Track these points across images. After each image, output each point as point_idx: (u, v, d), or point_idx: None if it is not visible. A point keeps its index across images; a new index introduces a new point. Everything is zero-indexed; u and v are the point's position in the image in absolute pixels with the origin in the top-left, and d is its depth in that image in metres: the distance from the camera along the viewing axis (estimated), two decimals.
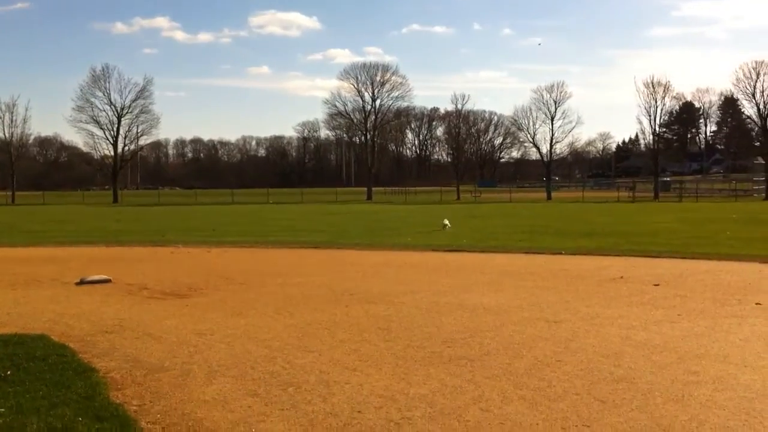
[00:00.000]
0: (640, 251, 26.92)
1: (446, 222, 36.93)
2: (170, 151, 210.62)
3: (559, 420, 8.32)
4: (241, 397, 9.31)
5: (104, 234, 40.71)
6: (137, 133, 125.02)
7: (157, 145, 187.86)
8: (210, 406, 8.92)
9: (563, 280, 19.52)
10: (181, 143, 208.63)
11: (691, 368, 10.40)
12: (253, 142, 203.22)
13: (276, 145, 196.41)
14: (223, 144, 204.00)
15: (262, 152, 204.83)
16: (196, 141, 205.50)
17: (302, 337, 12.69)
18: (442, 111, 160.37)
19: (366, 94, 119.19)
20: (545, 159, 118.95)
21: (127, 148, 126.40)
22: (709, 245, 29.18)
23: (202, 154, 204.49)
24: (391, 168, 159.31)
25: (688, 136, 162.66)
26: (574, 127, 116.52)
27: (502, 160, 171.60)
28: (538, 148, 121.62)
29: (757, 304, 15.46)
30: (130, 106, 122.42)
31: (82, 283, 19.11)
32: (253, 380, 10.03)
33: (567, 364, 10.71)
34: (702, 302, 15.79)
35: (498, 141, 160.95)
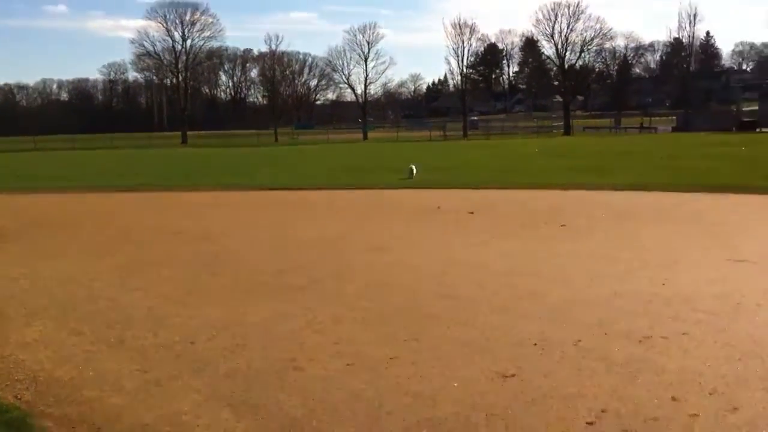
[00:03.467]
0: (455, 184, 28.05)
1: (413, 168, 31.08)
2: None
3: (390, 335, 8.63)
4: (64, 337, 8.91)
5: None
6: None
7: None
8: (32, 348, 8.47)
9: (383, 211, 20.05)
10: None
11: (507, 285, 11.06)
12: (54, 86, 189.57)
13: (80, 89, 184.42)
14: (21, 88, 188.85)
15: (65, 96, 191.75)
16: None
17: (126, 276, 12.27)
18: (255, 52, 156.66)
19: (176, 33, 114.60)
20: (360, 100, 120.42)
21: None
22: (517, 176, 30.90)
23: None
24: (205, 111, 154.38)
25: (493, 76, 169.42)
26: (387, 68, 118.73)
27: (318, 102, 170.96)
28: (353, 89, 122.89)
29: (562, 225, 16.62)
30: None
31: None
32: (77, 320, 9.62)
33: (395, 287, 11.07)
34: (513, 227, 16.76)
35: (313, 83, 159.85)
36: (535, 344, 8.16)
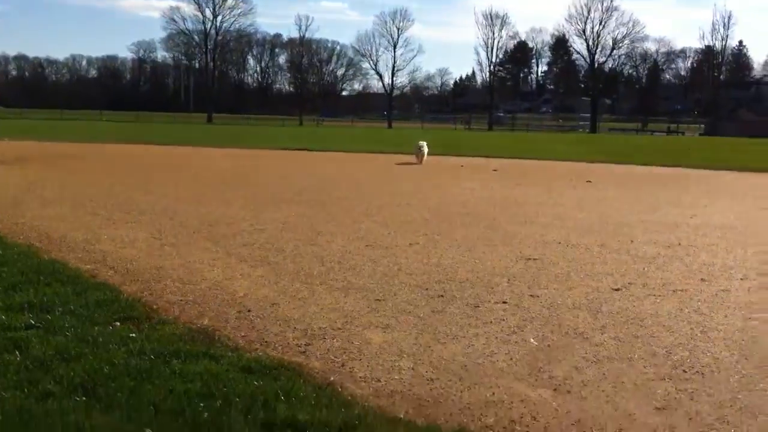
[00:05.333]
0: (479, 154, 27.80)
1: (422, 145, 21.81)
2: None
3: (409, 232, 8.43)
4: (80, 215, 8.82)
5: None
6: None
7: None
8: (47, 219, 8.38)
9: (405, 167, 19.84)
10: (3, 59, 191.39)
11: (531, 210, 10.80)
12: (84, 62, 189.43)
13: (109, 66, 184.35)
14: (51, 62, 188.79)
15: (93, 73, 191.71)
16: (20, 58, 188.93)
17: (145, 185, 12.20)
18: (285, 38, 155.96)
19: (207, 10, 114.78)
20: (387, 89, 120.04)
21: None
22: (540, 153, 30.51)
23: (27, 73, 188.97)
24: (232, 96, 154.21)
25: (521, 75, 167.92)
26: (415, 56, 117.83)
27: (344, 93, 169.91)
28: (380, 76, 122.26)
29: (588, 181, 16.33)
30: None
31: None
32: (93, 207, 9.53)
33: (415, 207, 10.85)
34: (538, 180, 16.48)
35: (340, 72, 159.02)
36: (560, 243, 7.94)
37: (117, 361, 3.59)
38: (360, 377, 3.77)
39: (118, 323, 4.29)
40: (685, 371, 4.03)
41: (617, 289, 5.87)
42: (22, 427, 2.85)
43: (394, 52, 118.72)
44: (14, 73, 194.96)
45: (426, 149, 21.63)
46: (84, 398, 3.16)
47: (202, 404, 3.12)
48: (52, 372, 3.45)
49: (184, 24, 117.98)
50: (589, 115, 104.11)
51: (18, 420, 2.91)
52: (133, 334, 4.06)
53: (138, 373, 3.45)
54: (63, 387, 3.27)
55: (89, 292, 4.89)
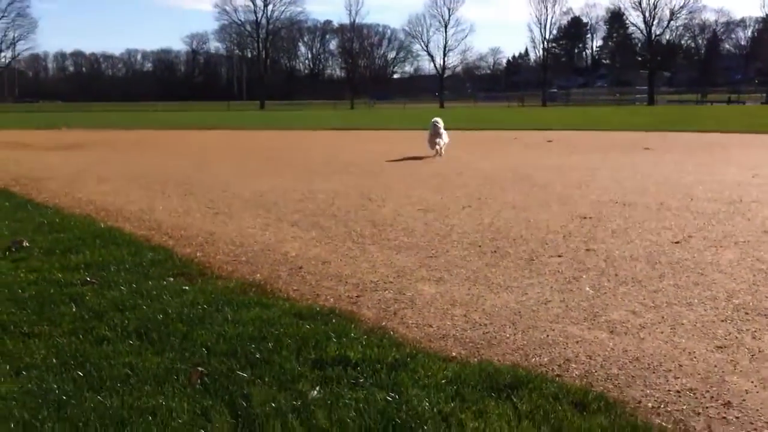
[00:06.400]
0: (532, 126, 27.45)
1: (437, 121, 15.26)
2: (50, 65, 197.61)
3: (463, 196, 8.36)
4: (136, 190, 8.97)
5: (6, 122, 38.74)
6: (14, 38, 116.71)
7: (36, 59, 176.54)
8: (103, 194, 8.56)
9: (457, 140, 19.71)
10: (61, 56, 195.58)
11: (587, 174, 10.62)
12: (139, 56, 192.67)
13: (163, 59, 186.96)
14: (107, 57, 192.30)
15: (148, 66, 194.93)
16: (77, 54, 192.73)
17: (199, 163, 12.37)
18: (335, 24, 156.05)
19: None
20: (439, 70, 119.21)
21: (3, 56, 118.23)
22: (597, 125, 29.98)
23: (84, 68, 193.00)
24: (283, 83, 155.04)
25: (576, 51, 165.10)
26: (466, 35, 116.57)
27: (396, 75, 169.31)
28: (432, 57, 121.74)
29: (645, 148, 15.98)
30: (6, 9, 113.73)
31: None
32: (148, 182, 9.70)
33: (467, 175, 10.75)
34: (594, 149, 16.20)
35: (391, 55, 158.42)
36: (617, 202, 7.78)
37: (170, 310, 3.64)
38: (412, 323, 3.74)
39: (172, 279, 4.35)
40: (747, 313, 3.90)
41: (677, 242, 5.72)
42: (78, 368, 2.89)
43: (446, 32, 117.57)
44: (71, 69, 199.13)
45: (445, 137, 14.49)
46: (138, 342, 3.21)
47: (253, 346, 3.13)
48: (107, 320, 3.52)
49: (236, 15, 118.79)
50: (646, 87, 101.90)
51: (73, 363, 2.96)
52: (187, 287, 4.12)
53: (191, 320, 3.49)
54: (117, 333, 3.33)
55: (144, 252, 4.97)
